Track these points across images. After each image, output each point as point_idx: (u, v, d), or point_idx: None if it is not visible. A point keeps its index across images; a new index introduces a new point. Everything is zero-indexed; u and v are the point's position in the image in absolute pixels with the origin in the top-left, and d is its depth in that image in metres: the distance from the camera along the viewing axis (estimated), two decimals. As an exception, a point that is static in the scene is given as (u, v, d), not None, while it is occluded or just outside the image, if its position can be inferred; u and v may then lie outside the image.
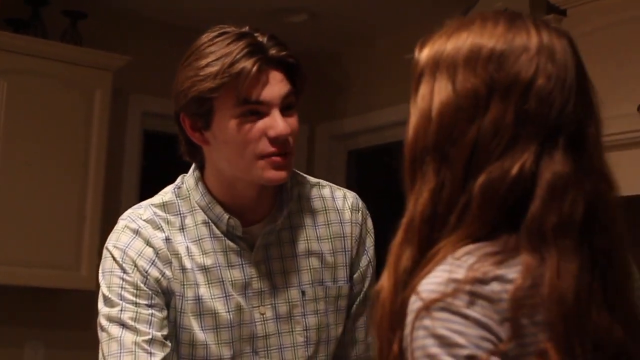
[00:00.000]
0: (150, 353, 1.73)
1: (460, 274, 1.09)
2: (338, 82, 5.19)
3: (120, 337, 1.74)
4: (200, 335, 1.80)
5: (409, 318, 1.10)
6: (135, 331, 1.74)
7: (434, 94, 1.18)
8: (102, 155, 4.23)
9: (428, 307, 1.08)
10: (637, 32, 3.20)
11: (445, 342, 1.07)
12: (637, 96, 3.07)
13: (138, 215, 1.84)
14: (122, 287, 1.77)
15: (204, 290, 1.80)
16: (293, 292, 1.85)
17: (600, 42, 3.26)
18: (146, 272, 1.78)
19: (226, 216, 1.81)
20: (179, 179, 1.89)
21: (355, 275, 1.92)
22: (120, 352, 1.73)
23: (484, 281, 1.09)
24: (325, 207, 1.91)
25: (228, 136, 1.74)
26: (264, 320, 1.83)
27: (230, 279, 1.81)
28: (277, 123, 1.72)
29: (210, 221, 1.82)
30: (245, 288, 1.82)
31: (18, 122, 4.02)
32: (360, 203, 1.95)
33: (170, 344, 1.77)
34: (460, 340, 1.07)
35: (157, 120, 4.62)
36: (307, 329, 1.85)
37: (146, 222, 1.82)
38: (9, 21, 4.23)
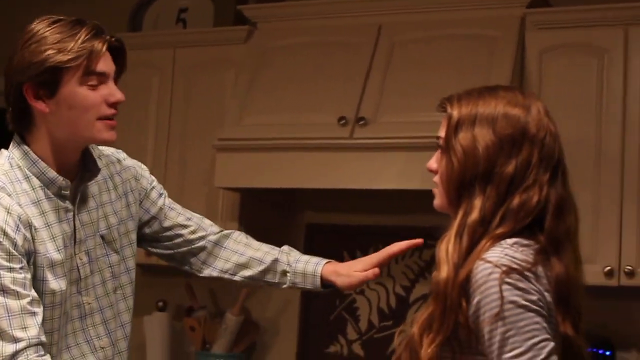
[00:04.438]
0: (34, 313, 1.99)
1: (517, 254, 1.69)
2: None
3: (5, 303, 1.96)
4: (55, 284, 2.08)
5: (489, 276, 1.66)
6: (17, 295, 1.98)
7: (476, 138, 1.75)
8: None
9: (507, 272, 1.65)
10: (320, 55, 3.72)
11: (522, 292, 1.65)
12: (338, 109, 3.56)
13: None
14: None
15: (50, 245, 2.09)
16: (97, 238, 2.20)
17: (299, 57, 3.76)
18: (14, 237, 2.01)
19: (60, 178, 2.12)
20: (4, 152, 2.16)
21: (148, 205, 2.35)
22: (9, 316, 1.96)
23: (534, 264, 1.70)
24: (108, 161, 2.29)
25: (75, 101, 2.06)
26: (82, 264, 2.16)
27: (63, 232, 2.12)
28: (115, 90, 2.12)
29: (43, 185, 2.11)
30: (70, 239, 2.14)
31: None
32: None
33: (40, 300, 2.04)
34: (531, 291, 1.66)
35: None
36: (111, 265, 2.22)
37: None
38: None
